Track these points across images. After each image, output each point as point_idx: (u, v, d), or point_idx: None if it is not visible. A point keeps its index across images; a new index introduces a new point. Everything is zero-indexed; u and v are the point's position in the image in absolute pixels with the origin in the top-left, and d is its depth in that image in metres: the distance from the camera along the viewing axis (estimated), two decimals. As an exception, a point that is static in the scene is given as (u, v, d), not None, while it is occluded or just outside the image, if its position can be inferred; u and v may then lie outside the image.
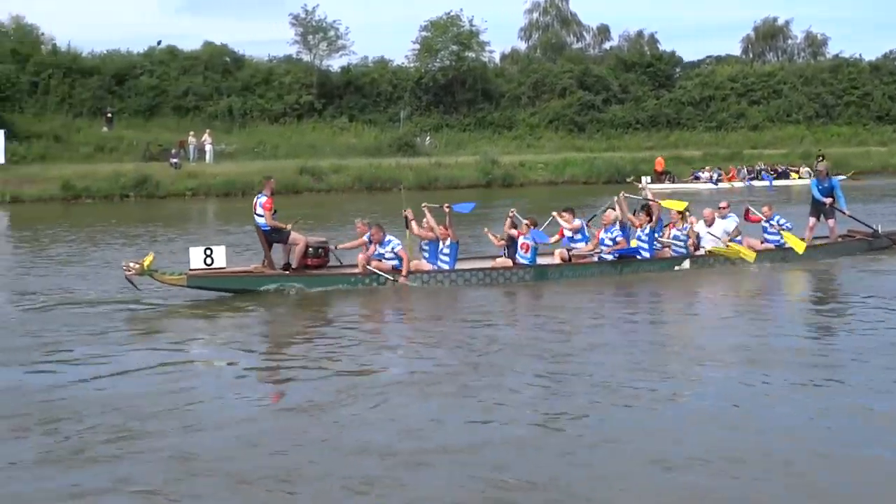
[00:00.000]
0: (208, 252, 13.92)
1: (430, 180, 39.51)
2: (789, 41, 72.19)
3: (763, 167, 42.84)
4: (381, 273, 13.99)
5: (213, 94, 50.71)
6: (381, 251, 13.97)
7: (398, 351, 10.21)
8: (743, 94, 59.56)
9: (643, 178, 38.64)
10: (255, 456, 6.47)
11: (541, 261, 14.74)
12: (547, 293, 13.74)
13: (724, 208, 15.81)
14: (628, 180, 38.85)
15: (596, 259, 14.65)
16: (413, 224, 14.56)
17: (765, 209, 15.98)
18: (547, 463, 6.17)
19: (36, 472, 6.33)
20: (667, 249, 15.31)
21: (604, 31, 71.02)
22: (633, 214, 15.25)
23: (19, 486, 6.06)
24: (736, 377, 8.37)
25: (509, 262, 14.45)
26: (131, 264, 13.38)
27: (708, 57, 70.70)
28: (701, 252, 15.10)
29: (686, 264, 14.83)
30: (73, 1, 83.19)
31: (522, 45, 68.16)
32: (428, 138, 49.89)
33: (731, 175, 41.33)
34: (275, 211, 14.32)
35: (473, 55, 54.69)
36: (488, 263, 14.73)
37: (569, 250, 14.78)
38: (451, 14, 54.10)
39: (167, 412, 7.75)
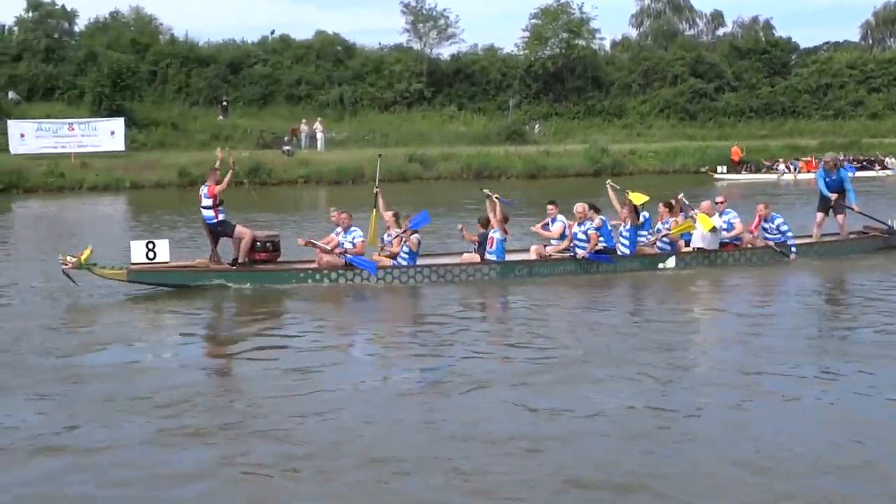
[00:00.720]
0: (150, 246, 13.55)
1: (539, 168, 39.90)
2: (911, 26, 70.78)
3: (844, 157, 41.23)
4: (318, 245, 13.76)
5: (325, 83, 51.86)
6: (344, 240, 13.89)
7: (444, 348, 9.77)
8: (862, 81, 57.91)
9: (719, 168, 39.81)
10: (359, 441, 6.62)
11: (514, 257, 14.49)
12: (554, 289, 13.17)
13: (720, 203, 15.25)
14: (703, 170, 40.50)
15: (569, 255, 14.35)
16: (381, 201, 14.46)
17: (760, 207, 15.42)
18: (634, 458, 6.23)
19: (148, 450, 6.55)
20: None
21: (717, 18, 70.66)
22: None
23: (134, 462, 6.32)
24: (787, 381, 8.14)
25: (476, 258, 14.17)
26: (68, 258, 13.00)
27: (825, 43, 69.13)
28: (688, 249, 14.49)
29: (671, 262, 14.23)
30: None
31: (633, 33, 68.64)
32: (537, 126, 50.30)
33: (809, 165, 39.92)
34: (221, 202, 13.83)
35: (583, 43, 54.90)
36: (455, 259, 14.46)
37: (545, 246, 14.53)
38: (562, 1, 54.38)
39: (278, 397, 7.92)
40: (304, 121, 45.66)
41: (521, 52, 56.33)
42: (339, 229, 14.17)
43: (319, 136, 44.24)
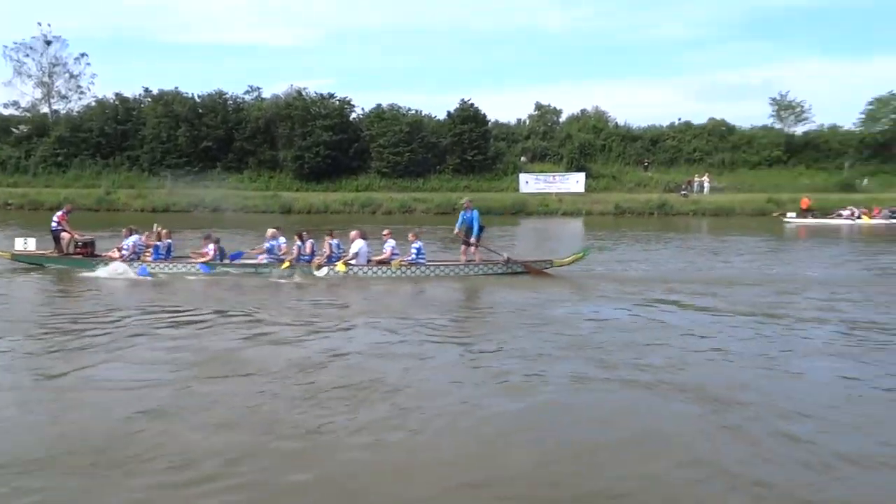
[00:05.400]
0: (25, 241, 15.81)
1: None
2: None
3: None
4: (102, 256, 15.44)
5: (713, 151, 54.72)
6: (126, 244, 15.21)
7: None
8: None
9: (788, 214, 37.36)
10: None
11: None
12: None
13: (386, 234, 15.48)
14: (774, 214, 38.23)
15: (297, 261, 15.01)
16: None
17: (410, 235, 15.39)
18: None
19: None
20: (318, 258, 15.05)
21: None
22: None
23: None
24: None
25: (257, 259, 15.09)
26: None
27: None
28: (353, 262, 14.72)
29: (324, 270, 14.76)
30: (629, 95, 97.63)
31: None
32: (865, 180, 50.16)
33: (874, 212, 36.73)
34: (59, 223, 15.94)
35: None
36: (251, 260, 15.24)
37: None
38: (893, 92, 53.10)
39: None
40: (697, 175, 49.64)
41: (858, 129, 54.86)
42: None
43: (706, 185, 48.31)
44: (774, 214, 38.90)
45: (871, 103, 54.52)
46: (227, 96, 54.63)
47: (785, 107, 56.23)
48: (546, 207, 43.30)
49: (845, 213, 36.71)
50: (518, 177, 48.55)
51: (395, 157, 51.05)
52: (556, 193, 45.97)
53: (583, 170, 49.03)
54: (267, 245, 14.99)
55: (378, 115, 53.91)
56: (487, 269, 15.16)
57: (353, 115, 54.89)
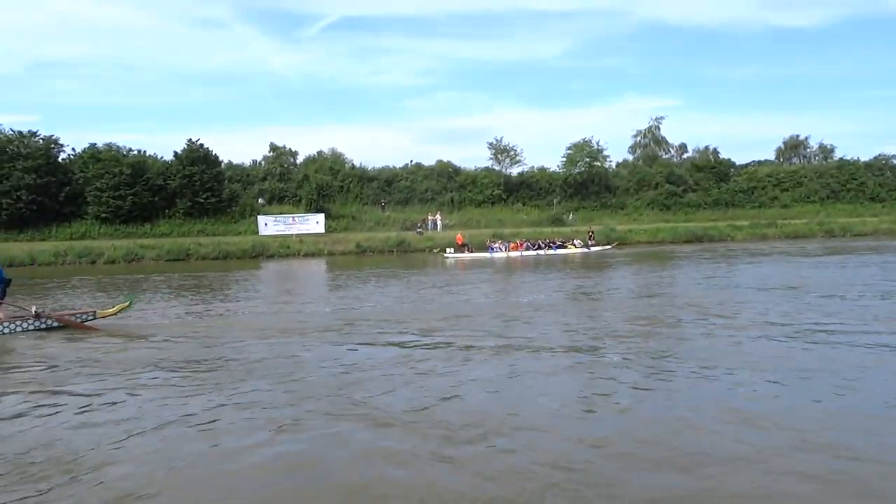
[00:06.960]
0: None
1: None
2: (808, 149, 71.90)
3: (543, 240, 40.52)
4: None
5: (442, 191, 56.59)
6: None
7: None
8: (776, 184, 61.07)
9: (447, 249, 38.75)
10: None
11: None
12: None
13: None
14: (435, 251, 39.30)
15: None
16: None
17: None
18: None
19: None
20: None
21: (683, 147, 72.47)
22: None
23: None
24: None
25: None
26: None
27: (752, 161, 70.74)
28: None
29: None
30: (363, 138, 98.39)
31: (630, 156, 69.32)
32: (571, 215, 53.74)
33: (518, 245, 39.15)
34: None
35: (599, 163, 58.21)
36: None
37: None
38: (586, 139, 58.41)
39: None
40: (430, 213, 50.75)
41: (561, 170, 58.73)
42: None
43: (439, 222, 49.54)
44: (435, 251, 39.73)
45: (569, 148, 58.40)
46: None
47: (501, 150, 58.29)
48: (287, 249, 41.35)
49: (496, 246, 38.84)
50: (257, 219, 46.17)
51: (116, 201, 45.79)
52: (297, 235, 44.25)
53: (322, 211, 47.74)
54: None
55: (93, 155, 47.98)
56: (16, 326, 13.34)
57: (63, 156, 48.45)
